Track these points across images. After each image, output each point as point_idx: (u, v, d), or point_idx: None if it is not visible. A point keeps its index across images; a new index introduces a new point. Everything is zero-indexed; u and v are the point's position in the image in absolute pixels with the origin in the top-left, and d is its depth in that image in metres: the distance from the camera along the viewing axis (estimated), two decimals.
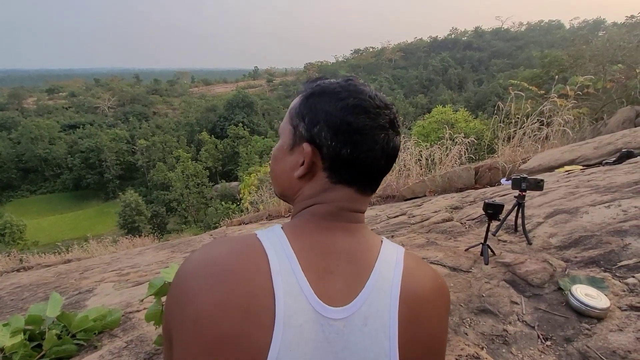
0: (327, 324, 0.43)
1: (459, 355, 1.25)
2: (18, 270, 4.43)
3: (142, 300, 2.17)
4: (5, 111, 55.25)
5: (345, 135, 0.47)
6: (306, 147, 0.49)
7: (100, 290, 2.76)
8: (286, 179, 0.53)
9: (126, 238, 9.02)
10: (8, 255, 7.71)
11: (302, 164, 0.49)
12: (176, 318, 0.43)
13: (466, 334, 1.40)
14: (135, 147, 42.66)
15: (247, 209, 7.16)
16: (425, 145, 5.32)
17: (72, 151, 43.30)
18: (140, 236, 9.88)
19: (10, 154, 42.33)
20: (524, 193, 2.02)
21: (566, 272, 1.66)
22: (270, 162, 0.59)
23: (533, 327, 1.38)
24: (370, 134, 0.47)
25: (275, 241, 0.46)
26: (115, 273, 3.25)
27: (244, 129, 44.66)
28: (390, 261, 0.49)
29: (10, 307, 2.70)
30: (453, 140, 5.24)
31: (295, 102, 0.53)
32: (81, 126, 48.17)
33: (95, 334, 1.79)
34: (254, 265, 0.43)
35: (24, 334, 1.55)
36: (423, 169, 4.99)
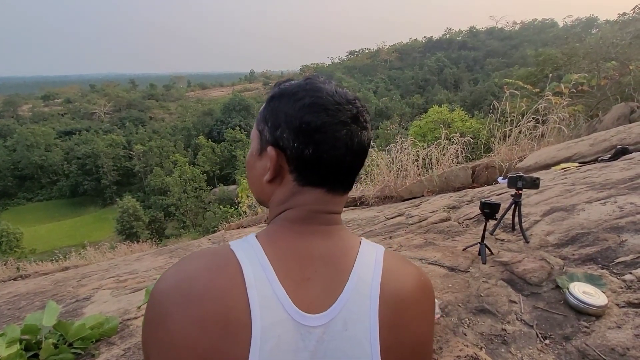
0: (306, 332, 0.42)
1: (457, 356, 1.24)
2: (15, 279, 4.39)
3: (139, 307, 2.16)
4: (0, 119, 54.95)
5: (306, 135, 0.46)
6: (270, 150, 0.48)
7: (98, 297, 2.74)
8: (259, 184, 0.52)
9: (124, 244, 8.97)
10: (5, 264, 7.64)
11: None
12: (153, 339, 0.42)
13: (465, 334, 1.40)
14: (132, 152, 42.47)
15: (246, 212, 7.15)
16: (422, 145, 5.33)
17: (69, 158, 43.06)
18: (138, 242, 9.82)
19: (6, 162, 42.04)
20: (520, 191, 2.03)
21: (564, 270, 1.67)
22: (246, 169, 0.58)
23: (532, 326, 1.38)
24: (330, 131, 0.46)
25: (249, 251, 0.45)
26: (113, 280, 3.23)
27: (241, 133, 44.58)
28: (369, 262, 0.48)
29: (7, 316, 2.67)
30: (450, 139, 5.26)
31: (261, 107, 0.53)
32: (77, 132, 47.96)
33: (92, 342, 1.77)
34: (228, 279, 0.42)
35: (20, 344, 1.54)
36: (420, 169, 5.00)
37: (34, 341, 1.62)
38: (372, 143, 0.55)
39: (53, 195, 43.47)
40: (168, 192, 33.62)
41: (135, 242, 9.89)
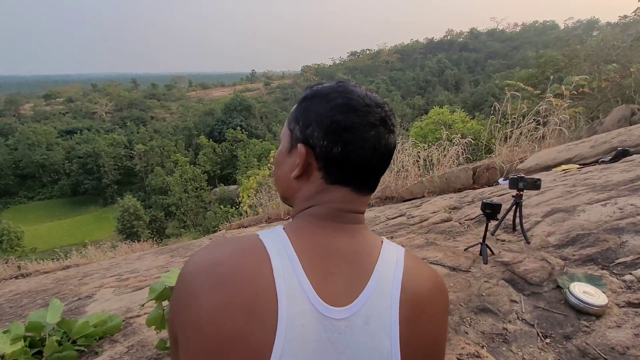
0: (329, 324, 0.43)
1: (459, 354, 1.25)
2: (16, 277, 4.41)
3: (142, 305, 2.16)
4: (2, 118, 55.05)
5: (335, 133, 0.48)
6: (300, 147, 0.50)
7: (99, 295, 2.76)
8: (286, 181, 0.54)
9: (125, 243, 8.97)
10: (6, 262, 7.65)
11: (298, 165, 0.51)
12: (180, 319, 0.44)
13: (466, 333, 1.41)
14: (133, 151, 42.52)
15: (246, 212, 7.15)
16: (423, 146, 5.34)
17: (70, 157, 43.09)
18: (139, 241, 9.83)
19: (8, 161, 42.11)
20: (521, 192, 2.04)
21: (564, 270, 1.68)
22: (272, 167, 0.60)
23: (532, 325, 1.39)
24: (359, 131, 0.48)
25: (277, 242, 0.46)
26: (115, 278, 3.24)
27: (242, 133, 44.64)
28: (390, 262, 0.50)
29: (9, 314, 2.68)
30: (450, 140, 5.26)
31: (293, 107, 0.56)
32: (78, 132, 48.01)
33: (95, 339, 1.79)
34: (256, 266, 0.43)
35: (25, 341, 1.55)
36: (421, 170, 5.01)
37: (38, 338, 1.63)
38: None
39: (54, 194, 43.52)
40: (169, 192, 33.64)
41: (136, 241, 9.89)
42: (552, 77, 7.50)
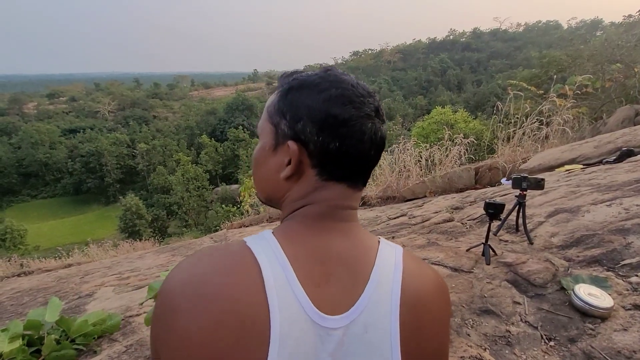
0: (325, 335, 0.41)
1: (461, 357, 1.23)
2: (19, 275, 4.41)
3: (141, 304, 2.16)
4: (5, 116, 55.35)
5: (332, 128, 0.44)
6: (292, 145, 0.45)
7: (100, 294, 2.75)
8: (271, 182, 0.50)
9: (127, 242, 9.00)
10: (8, 260, 7.68)
11: (288, 164, 0.46)
12: (162, 342, 0.40)
13: (469, 335, 1.39)
14: (135, 151, 42.67)
15: (248, 211, 7.14)
16: (425, 146, 5.31)
17: (73, 155, 43.33)
18: (141, 240, 9.87)
19: (11, 159, 42.38)
20: (524, 192, 2.02)
21: (568, 272, 1.65)
22: (252, 166, 0.55)
23: (536, 328, 1.37)
24: (357, 124, 0.45)
25: (267, 249, 0.43)
26: (116, 277, 3.24)
27: (244, 132, 44.66)
28: (388, 263, 0.47)
29: (10, 312, 2.68)
30: (452, 140, 5.24)
31: (272, 98, 0.50)
32: (81, 130, 48.27)
33: (94, 338, 1.78)
34: (245, 279, 0.40)
35: (23, 339, 1.54)
36: (423, 170, 4.98)
37: (36, 337, 1.62)
38: None
39: (57, 193, 43.77)
40: (171, 191, 33.73)
41: (137, 240, 9.93)
42: (555, 77, 7.45)
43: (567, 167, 3.68)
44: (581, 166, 3.61)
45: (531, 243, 1.98)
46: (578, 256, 1.75)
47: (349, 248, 0.46)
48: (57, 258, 6.89)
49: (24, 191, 43.51)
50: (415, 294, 0.45)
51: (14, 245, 25.03)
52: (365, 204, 4.71)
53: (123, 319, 1.98)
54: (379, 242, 0.50)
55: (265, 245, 0.44)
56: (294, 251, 0.44)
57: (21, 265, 6.67)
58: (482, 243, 1.94)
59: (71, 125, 52.68)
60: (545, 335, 1.33)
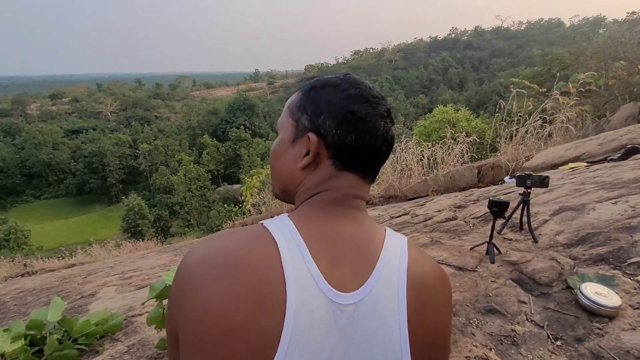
0: (337, 310, 0.43)
1: (467, 357, 1.22)
2: (22, 276, 4.43)
3: (143, 304, 2.15)
4: (9, 117, 55.65)
5: (350, 123, 0.50)
6: (312, 136, 0.50)
7: (103, 294, 2.75)
8: (288, 172, 0.54)
9: (129, 242, 9.03)
10: (12, 261, 7.74)
11: (306, 154, 0.51)
12: (182, 313, 0.42)
13: (473, 334, 1.37)
14: (137, 151, 42.77)
15: (250, 211, 7.15)
16: (427, 145, 5.28)
17: (76, 156, 43.50)
18: (143, 240, 9.89)
19: (15, 160, 42.58)
20: (529, 190, 1.99)
21: (574, 270, 1.63)
22: (270, 159, 0.59)
23: (542, 327, 1.35)
24: (372, 121, 0.50)
25: (283, 229, 0.46)
26: (118, 277, 3.24)
27: (246, 132, 44.72)
28: (395, 249, 0.50)
29: (13, 312, 2.69)
30: (455, 139, 5.21)
31: (294, 97, 0.56)
32: (84, 131, 48.47)
33: (96, 338, 1.77)
34: (263, 253, 0.43)
35: (25, 339, 1.53)
36: (425, 169, 4.96)
37: (38, 336, 1.62)
38: None
39: (60, 193, 43.96)
40: (173, 191, 33.82)
41: (140, 240, 9.96)
42: (558, 75, 7.40)
43: (571, 165, 3.65)
44: (585, 164, 3.58)
45: (536, 241, 1.96)
46: (584, 254, 1.73)
47: (359, 232, 0.50)
48: (61, 258, 6.92)
49: (28, 192, 43.72)
50: (420, 278, 0.48)
51: (17, 245, 25.16)
52: (367, 203, 4.68)
53: (125, 319, 1.98)
54: (385, 230, 0.54)
55: (281, 226, 0.47)
56: (309, 232, 0.47)
57: (25, 265, 6.71)
58: (486, 242, 1.92)
59: (74, 125, 52.90)
60: (551, 334, 1.31)
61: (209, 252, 0.44)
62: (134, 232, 26.64)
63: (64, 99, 74.69)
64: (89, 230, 32.59)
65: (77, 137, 46.98)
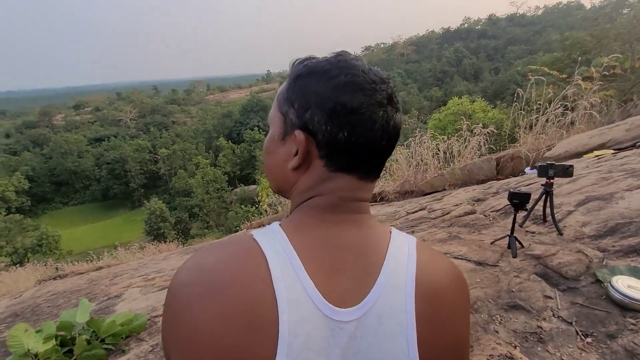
0: (337, 328, 0.39)
1: (490, 355, 1.18)
2: (54, 279, 4.64)
3: None
4: (37, 129, 58.59)
5: (341, 117, 0.42)
6: (298, 134, 0.44)
7: (128, 295, 2.85)
8: (280, 172, 0.49)
9: (152, 244, 9.30)
10: (45, 265, 8.14)
11: (296, 154, 0.45)
12: (172, 334, 0.39)
13: (496, 331, 1.33)
14: (157, 156, 44.08)
15: (266, 211, 7.22)
16: (442, 138, 5.17)
17: (99, 163, 45.43)
18: (165, 242, 10.16)
19: (44, 169, 44.90)
20: (551, 181, 1.91)
21: (604, 263, 1.55)
22: (262, 156, 0.54)
23: (570, 323, 1.29)
24: (367, 112, 0.42)
25: (273, 241, 0.42)
26: (142, 278, 3.35)
27: (260, 133, 45.16)
28: (401, 253, 0.44)
29: (46, 313, 2.82)
30: (471, 131, 5.07)
31: (282, 87, 0.49)
32: (106, 139, 50.47)
33: (122, 338, 1.83)
34: (252, 271, 0.39)
35: (56, 340, 1.61)
36: (441, 163, 4.86)
37: (68, 337, 1.69)
38: None
39: (86, 199, 45.98)
40: (192, 194, 34.59)
41: (162, 242, 10.23)
42: (579, 59, 7.06)
43: (596, 152, 3.48)
44: (612, 151, 3.40)
45: (561, 234, 1.88)
46: (613, 246, 1.65)
47: (359, 238, 0.45)
48: (89, 261, 7.21)
49: (57, 199, 45.94)
50: (430, 285, 0.43)
51: (49, 250, 26.46)
52: (382, 199, 4.64)
53: (149, 319, 2.04)
54: (390, 232, 0.47)
55: (271, 237, 0.42)
56: (302, 241, 0.42)
57: (56, 268, 7.04)
58: (508, 235, 1.86)
59: (96, 134, 55.13)
60: (581, 331, 1.25)
61: (196, 269, 0.40)
62: (156, 234, 27.44)
63: (86, 109, 77.83)
64: (114, 234, 33.81)
65: (99, 145, 48.96)
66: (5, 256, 26.28)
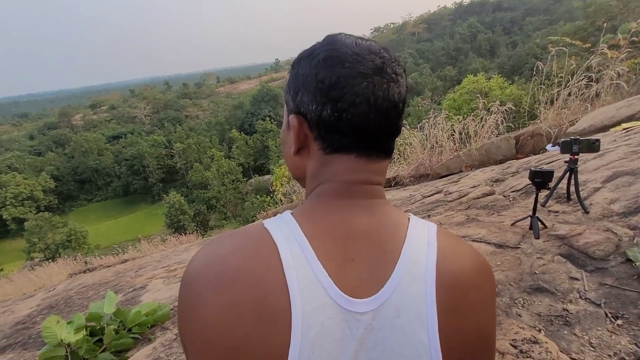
0: (352, 319, 0.38)
1: (513, 340, 1.15)
2: (84, 272, 4.87)
3: None
4: (58, 129, 60.81)
5: (321, 93, 0.41)
6: (292, 118, 0.45)
7: (152, 286, 2.95)
8: (290, 160, 0.49)
9: (173, 236, 9.59)
10: (75, 259, 8.56)
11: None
12: (186, 324, 0.39)
13: (519, 315, 1.29)
14: (172, 150, 45.00)
15: (281, 200, 7.28)
16: (458, 119, 5.00)
17: (118, 160, 46.94)
18: (185, 234, 10.45)
19: (67, 168, 46.82)
20: (576, 157, 1.82)
21: (635, 242, 1.48)
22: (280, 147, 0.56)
23: (599, 305, 1.24)
24: (347, 85, 0.40)
25: (284, 229, 0.41)
26: (165, 269, 3.46)
27: (271, 123, 45.23)
28: (421, 241, 0.42)
29: (77, 305, 2.97)
30: (488, 110, 4.88)
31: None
32: (123, 136, 51.86)
33: (148, 327, 1.91)
34: (263, 260, 0.38)
35: (86, 330, 1.68)
36: (457, 144, 4.72)
37: (97, 327, 1.77)
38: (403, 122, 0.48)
39: (109, 196, 47.79)
40: (208, 186, 35.31)
41: (183, 234, 10.54)
42: (604, 26, 6.60)
43: (624, 125, 3.29)
44: None
45: (587, 212, 1.79)
46: None
47: (374, 225, 0.43)
48: (115, 255, 7.52)
49: (81, 196, 47.98)
50: (452, 274, 0.41)
51: (78, 245, 27.87)
52: (397, 183, 4.57)
53: (172, 309, 2.11)
54: (409, 219, 0.45)
55: (282, 225, 0.42)
56: (313, 230, 0.41)
57: (85, 262, 7.39)
58: (529, 216, 1.79)
59: (114, 132, 56.75)
60: (610, 313, 1.20)
61: (208, 259, 0.40)
62: (176, 227, 28.29)
63: (102, 107, 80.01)
64: (136, 227, 35.08)
65: (117, 142, 50.41)
66: (39, 252, 27.87)
